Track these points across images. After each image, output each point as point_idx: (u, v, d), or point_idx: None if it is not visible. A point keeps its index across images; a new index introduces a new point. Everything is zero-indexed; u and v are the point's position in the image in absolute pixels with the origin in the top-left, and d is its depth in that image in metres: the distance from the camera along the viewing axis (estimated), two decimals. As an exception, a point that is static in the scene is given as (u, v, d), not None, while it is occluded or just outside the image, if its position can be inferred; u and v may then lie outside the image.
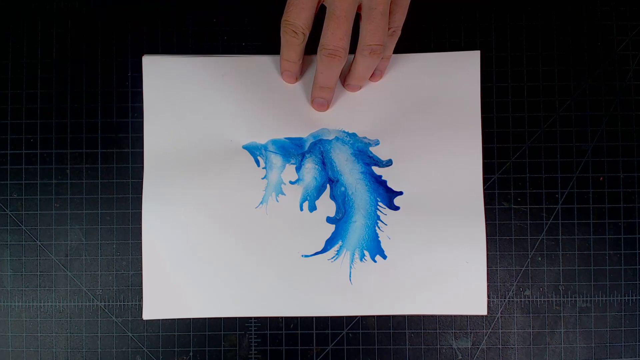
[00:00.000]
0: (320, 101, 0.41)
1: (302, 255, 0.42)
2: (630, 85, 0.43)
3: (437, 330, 0.42)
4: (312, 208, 0.42)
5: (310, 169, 0.42)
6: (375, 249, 0.42)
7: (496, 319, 0.42)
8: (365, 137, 0.42)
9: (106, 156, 0.42)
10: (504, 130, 0.42)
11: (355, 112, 0.42)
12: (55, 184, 0.42)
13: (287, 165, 0.42)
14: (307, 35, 0.37)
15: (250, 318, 0.42)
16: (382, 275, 0.41)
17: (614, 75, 0.43)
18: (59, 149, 0.42)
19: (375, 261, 0.42)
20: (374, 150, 0.42)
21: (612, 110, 0.42)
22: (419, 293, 0.41)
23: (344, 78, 0.42)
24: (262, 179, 0.42)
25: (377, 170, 0.42)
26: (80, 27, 0.43)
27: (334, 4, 0.34)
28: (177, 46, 0.43)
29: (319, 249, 0.42)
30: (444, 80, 0.42)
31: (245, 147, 0.42)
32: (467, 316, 0.42)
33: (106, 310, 0.42)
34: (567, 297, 0.42)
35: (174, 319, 0.42)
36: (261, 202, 0.42)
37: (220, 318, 0.42)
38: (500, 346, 0.42)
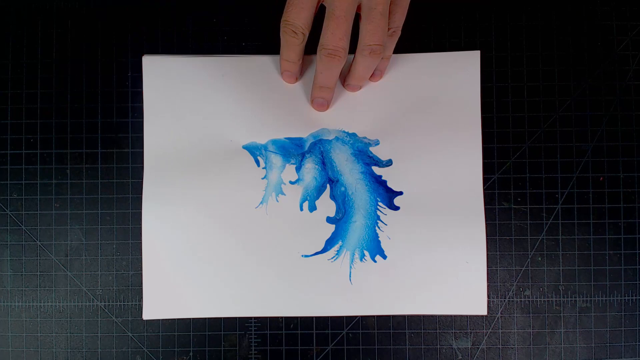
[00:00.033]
0: (320, 101, 0.41)
1: (302, 255, 0.42)
2: (630, 85, 0.43)
3: (437, 330, 0.42)
4: (312, 208, 0.42)
5: (310, 169, 0.42)
6: (375, 249, 0.42)
7: (496, 319, 0.42)
8: (365, 137, 0.42)
9: (106, 156, 0.42)
10: (504, 130, 0.42)
11: (355, 112, 0.42)
12: (55, 184, 0.42)
13: (287, 165, 0.42)
14: (307, 35, 0.37)
15: (250, 318, 0.42)
16: (382, 275, 0.41)
17: (614, 75, 0.43)
18: (59, 149, 0.42)
19: (375, 261, 0.42)
20: (374, 150, 0.42)
21: (612, 110, 0.42)
22: (419, 293, 0.41)
23: (344, 78, 0.42)
24: (262, 179, 0.42)
25: (377, 170, 0.42)
26: (80, 27, 0.43)
27: (334, 3, 0.34)
28: (177, 46, 0.43)
29: (319, 249, 0.42)
30: (444, 80, 0.42)
31: (245, 147, 0.42)
32: (467, 316, 0.42)
33: (106, 310, 0.42)
34: (567, 297, 0.42)
35: (174, 319, 0.42)
36: (261, 202, 0.42)
37: (220, 318, 0.42)
38: (500, 346, 0.42)
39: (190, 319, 0.42)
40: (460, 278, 0.41)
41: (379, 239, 0.42)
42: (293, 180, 0.42)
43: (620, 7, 0.43)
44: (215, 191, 0.42)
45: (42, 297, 0.42)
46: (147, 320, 0.42)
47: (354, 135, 0.42)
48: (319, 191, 0.42)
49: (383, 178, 0.42)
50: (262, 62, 0.42)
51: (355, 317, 0.42)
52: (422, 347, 0.42)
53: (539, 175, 0.42)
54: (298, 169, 0.42)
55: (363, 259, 0.42)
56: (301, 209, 0.42)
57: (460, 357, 0.42)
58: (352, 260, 0.42)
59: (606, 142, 0.42)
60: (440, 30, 0.43)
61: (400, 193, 0.42)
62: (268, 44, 0.43)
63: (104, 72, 0.43)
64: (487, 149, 0.42)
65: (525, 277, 0.42)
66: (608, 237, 0.42)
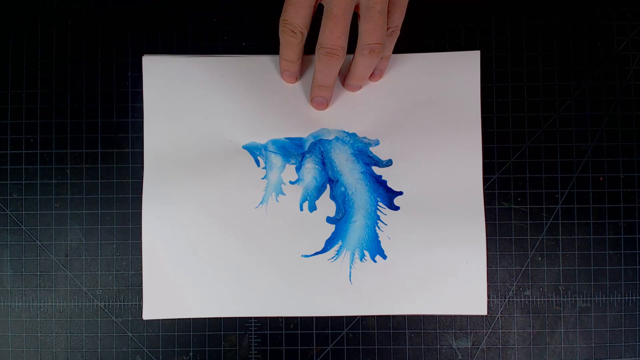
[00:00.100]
0: (320, 100, 0.41)
1: (302, 255, 0.42)
2: (630, 85, 0.43)
3: (437, 330, 0.42)
4: (312, 208, 0.42)
5: (310, 169, 0.42)
6: (375, 249, 0.42)
7: (496, 319, 0.42)
8: (365, 137, 0.42)
9: (106, 156, 0.42)
10: (504, 130, 0.42)
11: (355, 112, 0.42)
12: (55, 184, 0.42)
13: (287, 165, 0.42)
14: (306, 34, 0.37)
15: (250, 318, 0.42)
16: (382, 275, 0.41)
17: (614, 75, 0.43)
18: (59, 149, 0.42)
19: (375, 261, 0.42)
20: (374, 150, 0.42)
21: (612, 110, 0.42)
22: (419, 293, 0.41)
23: (344, 78, 0.42)
24: (262, 179, 0.42)
25: (377, 170, 0.42)
26: (80, 27, 0.43)
27: (332, 3, 0.34)
28: (177, 46, 0.43)
29: (319, 249, 0.42)
30: (444, 80, 0.42)
31: (245, 147, 0.42)
32: (467, 316, 0.42)
33: (106, 310, 0.42)
34: (567, 297, 0.42)
35: (174, 319, 0.42)
36: (261, 202, 0.42)
37: (220, 318, 0.42)
38: (500, 346, 0.42)
39: (190, 319, 0.42)
40: (460, 278, 0.41)
41: (379, 239, 0.42)
42: (293, 180, 0.42)
43: (620, 7, 0.43)
44: (215, 191, 0.42)
45: (42, 297, 0.42)
46: (147, 320, 0.42)
47: (354, 135, 0.42)
48: (319, 191, 0.42)
49: (383, 178, 0.42)
50: (262, 62, 0.42)
51: (355, 317, 0.42)
52: (422, 347, 0.42)
53: (539, 175, 0.42)
54: (298, 169, 0.42)
55: (363, 259, 0.42)
56: (301, 209, 0.42)
57: (460, 357, 0.42)
58: (352, 260, 0.42)
59: (606, 142, 0.42)
60: (440, 30, 0.43)
61: (400, 193, 0.42)
62: (268, 44, 0.43)
63: (104, 72, 0.43)
64: (487, 149, 0.42)
65: (525, 277, 0.42)
66: (608, 237, 0.42)
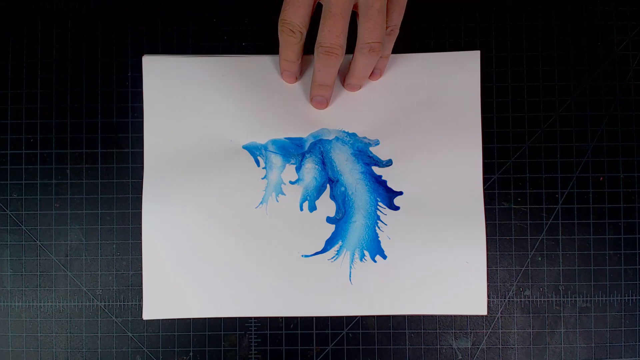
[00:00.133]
0: (319, 99, 0.41)
1: (302, 255, 0.42)
2: (630, 85, 0.43)
3: (437, 330, 0.42)
4: (312, 208, 0.42)
5: (310, 169, 0.42)
6: (375, 249, 0.42)
7: (496, 319, 0.42)
8: (365, 137, 0.42)
9: (106, 156, 0.42)
10: (504, 130, 0.42)
11: (355, 112, 0.42)
12: (55, 184, 0.42)
13: (287, 165, 0.42)
14: (305, 33, 0.37)
15: (250, 318, 0.42)
16: (382, 275, 0.41)
17: (614, 75, 0.43)
18: (59, 149, 0.42)
19: (375, 261, 0.42)
20: (374, 150, 0.42)
21: (612, 110, 0.43)
22: (419, 293, 0.41)
23: (344, 78, 0.42)
24: (262, 179, 0.42)
25: (377, 170, 0.42)
26: (80, 27, 0.43)
27: (330, 2, 0.34)
28: (177, 46, 0.43)
29: (319, 249, 0.42)
30: (444, 80, 0.42)
31: (245, 147, 0.42)
32: (467, 316, 0.42)
33: (106, 310, 0.42)
34: (567, 297, 0.42)
35: (174, 319, 0.42)
36: (261, 202, 0.42)
37: (220, 318, 0.42)
38: (500, 346, 0.42)
39: (190, 319, 0.42)
40: (460, 278, 0.41)
41: (379, 239, 0.42)
42: (293, 180, 0.42)
43: (620, 7, 0.43)
44: (215, 191, 0.42)
45: (42, 297, 0.42)
46: (147, 320, 0.42)
47: (354, 135, 0.42)
48: (319, 191, 0.42)
49: (383, 178, 0.42)
50: (262, 62, 0.42)
51: (355, 317, 0.42)
52: (422, 347, 0.42)
53: (539, 175, 0.42)
54: (298, 169, 0.42)
55: (363, 259, 0.42)
56: (301, 209, 0.42)
57: (460, 357, 0.42)
58: (352, 260, 0.42)
59: (606, 142, 0.42)
60: (440, 30, 0.43)
61: (400, 193, 0.42)
62: (268, 44, 0.43)
63: (104, 72, 0.43)
64: (487, 149, 0.42)
65: (525, 277, 0.42)
66: (608, 237, 0.42)
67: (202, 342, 0.42)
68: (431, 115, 0.42)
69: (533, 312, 0.42)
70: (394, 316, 0.42)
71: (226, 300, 0.41)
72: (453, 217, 0.41)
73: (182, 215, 0.42)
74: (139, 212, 0.42)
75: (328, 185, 0.42)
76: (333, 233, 0.42)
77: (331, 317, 0.42)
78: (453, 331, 0.42)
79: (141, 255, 0.42)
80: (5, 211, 0.42)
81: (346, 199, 0.42)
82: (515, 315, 0.42)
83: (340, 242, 0.42)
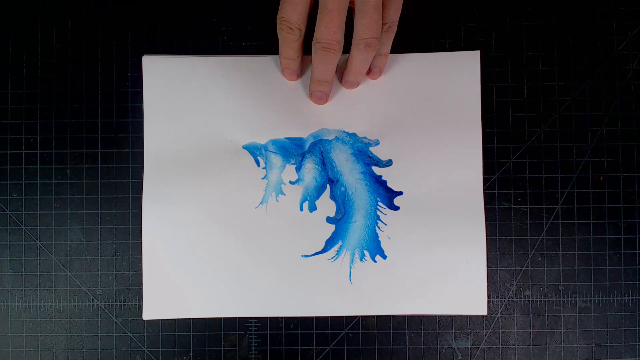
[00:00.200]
0: (319, 94, 0.41)
1: (302, 255, 0.42)
2: (630, 85, 0.43)
3: (437, 330, 0.42)
4: (312, 208, 0.42)
5: (310, 169, 0.42)
6: (375, 249, 0.42)
7: (496, 319, 0.42)
8: (365, 137, 0.42)
9: (106, 156, 0.42)
10: (504, 130, 0.42)
11: (355, 112, 0.42)
12: (55, 184, 0.42)
13: (287, 165, 0.42)
14: (303, 30, 0.37)
15: (250, 318, 0.42)
16: (382, 275, 0.41)
17: (614, 75, 0.43)
18: (59, 149, 0.42)
19: (375, 261, 0.42)
20: (374, 150, 0.42)
21: (612, 110, 0.43)
22: (419, 293, 0.41)
23: (342, 76, 0.42)
24: (262, 179, 0.42)
25: (377, 170, 0.42)
26: (80, 27, 0.43)
27: None
28: (177, 46, 0.43)
29: (319, 249, 0.42)
30: (444, 80, 0.42)
31: (245, 147, 0.42)
32: (467, 316, 0.42)
33: (106, 310, 0.42)
34: (567, 297, 0.42)
35: (174, 319, 0.42)
36: (261, 202, 0.42)
37: (220, 318, 0.42)
38: (500, 346, 0.42)
39: (190, 319, 0.42)
40: (460, 278, 0.41)
41: (379, 239, 0.42)
42: (293, 180, 0.42)
43: (620, 7, 0.43)
44: (215, 191, 0.42)
45: (42, 297, 0.42)
46: (147, 320, 0.42)
47: (354, 135, 0.42)
48: (319, 191, 0.42)
49: (383, 178, 0.42)
50: (262, 62, 0.42)
51: (355, 317, 0.42)
52: (422, 347, 0.42)
53: (539, 175, 0.42)
54: (298, 169, 0.42)
55: (363, 259, 0.42)
56: (301, 209, 0.42)
57: (460, 357, 0.42)
58: (352, 260, 0.42)
59: (606, 142, 0.42)
60: (440, 30, 0.43)
61: (400, 193, 0.42)
62: (268, 44, 0.43)
63: (104, 72, 0.43)
64: (487, 149, 0.42)
65: (525, 277, 0.42)
66: (608, 237, 0.42)
67: (202, 342, 0.42)
68: (431, 115, 0.42)
69: (533, 312, 0.42)
70: (394, 316, 0.42)
71: (226, 300, 0.41)
72: (453, 217, 0.41)
73: (182, 215, 0.42)
74: (139, 212, 0.42)
75: (328, 185, 0.42)
76: (333, 233, 0.42)
77: (331, 317, 0.42)
78: (453, 331, 0.42)
79: (141, 255, 0.42)
80: (5, 211, 0.42)
81: (346, 199, 0.42)
82: (515, 315, 0.42)
83: (340, 242, 0.42)
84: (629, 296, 0.42)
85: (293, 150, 0.42)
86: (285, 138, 0.42)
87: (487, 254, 0.42)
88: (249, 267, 0.41)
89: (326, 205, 0.42)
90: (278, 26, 0.37)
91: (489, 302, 0.42)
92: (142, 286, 0.41)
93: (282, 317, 0.42)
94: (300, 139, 0.42)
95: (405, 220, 0.42)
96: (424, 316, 0.42)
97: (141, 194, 0.42)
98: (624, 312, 0.42)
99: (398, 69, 0.42)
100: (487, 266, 0.42)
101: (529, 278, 0.42)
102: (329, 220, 0.42)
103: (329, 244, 0.42)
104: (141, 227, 0.42)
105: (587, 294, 0.42)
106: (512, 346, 0.42)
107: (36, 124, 0.42)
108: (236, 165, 0.42)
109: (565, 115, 0.42)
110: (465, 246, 0.41)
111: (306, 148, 0.42)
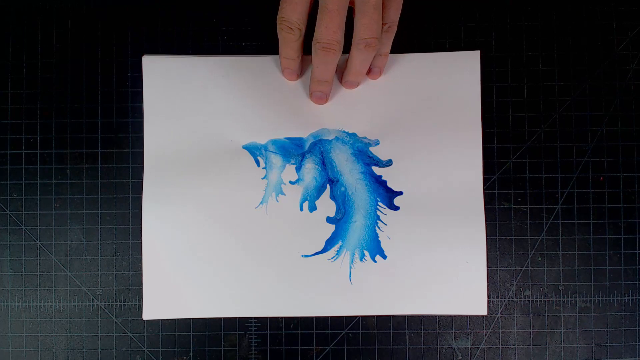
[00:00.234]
0: (319, 94, 0.41)
1: (302, 255, 0.42)
2: (630, 85, 0.43)
3: (437, 330, 0.42)
4: (312, 208, 0.42)
5: (310, 169, 0.42)
6: (375, 249, 0.42)
7: (496, 319, 0.42)
8: (365, 137, 0.42)
9: (106, 156, 0.42)
10: (504, 130, 0.42)
11: (355, 112, 0.42)
12: (55, 184, 0.42)
13: (287, 165, 0.42)
14: (303, 30, 0.37)
15: (250, 318, 0.42)
16: (382, 275, 0.41)
17: (614, 75, 0.43)
18: (59, 149, 0.42)
19: (375, 261, 0.42)
20: (374, 150, 0.42)
21: (612, 110, 0.43)
22: (419, 293, 0.41)
23: (342, 76, 0.42)
24: (262, 179, 0.42)
25: (377, 170, 0.42)
26: (80, 27, 0.43)
27: None
28: (177, 46, 0.43)
29: (319, 249, 0.42)
30: (444, 80, 0.42)
31: (245, 147, 0.42)
32: (467, 316, 0.42)
33: (106, 310, 0.42)
34: (567, 297, 0.42)
35: (174, 319, 0.42)
36: (261, 202, 0.42)
37: (220, 318, 0.42)
38: (500, 346, 0.42)
39: (190, 319, 0.42)
40: (460, 278, 0.41)
41: (379, 239, 0.42)
42: (293, 180, 0.42)
43: (620, 7, 0.43)
44: (215, 191, 0.42)
45: (42, 297, 0.42)
46: (147, 320, 0.42)
47: (354, 135, 0.42)
48: (319, 191, 0.42)
49: (383, 178, 0.42)
50: (262, 62, 0.42)
51: (355, 317, 0.42)
52: (422, 347, 0.42)
53: (539, 175, 0.42)
54: (298, 169, 0.42)
55: (363, 259, 0.42)
56: (301, 209, 0.42)
57: (460, 357, 0.42)
58: (352, 260, 0.42)
59: (606, 142, 0.42)
60: (440, 30, 0.43)
61: (400, 193, 0.42)
62: (268, 44, 0.43)
63: (104, 72, 0.43)
64: (487, 149, 0.42)
65: (525, 277, 0.42)
66: (608, 237, 0.42)
67: (202, 342, 0.42)
68: (431, 115, 0.42)
69: (533, 312, 0.42)
70: (394, 316, 0.42)
71: (226, 300, 0.41)
72: (453, 217, 0.41)
73: (182, 215, 0.42)
74: (139, 212, 0.42)
75: (328, 185, 0.42)
76: (333, 233, 0.42)
77: (331, 317, 0.42)
78: (453, 331, 0.42)
79: (141, 255, 0.42)
80: (5, 211, 0.42)
81: (346, 199, 0.42)
82: (515, 315, 0.42)
83: (340, 242, 0.42)
84: (629, 296, 0.42)
85: (293, 150, 0.42)
86: (285, 138, 0.42)
87: (487, 254, 0.42)
88: (249, 267, 0.41)
89: (326, 205, 0.42)
90: (278, 26, 0.37)
91: (489, 302, 0.42)
92: (142, 286, 0.41)
93: (282, 317, 0.42)
94: (300, 139, 0.42)
95: (405, 220, 0.42)
96: (424, 316, 0.42)
97: (141, 194, 0.42)
98: (624, 312, 0.42)
99: (398, 69, 0.42)
100: (487, 266, 0.42)
101: (529, 278, 0.42)
102: (329, 220, 0.42)
103: (329, 244, 0.42)
104: (141, 227, 0.42)
105: (587, 294, 0.42)
106: (512, 346, 0.42)
107: (36, 124, 0.42)
108: (236, 165, 0.42)
109: (565, 115, 0.42)
110: (465, 246, 0.41)
111: (306, 148, 0.42)
